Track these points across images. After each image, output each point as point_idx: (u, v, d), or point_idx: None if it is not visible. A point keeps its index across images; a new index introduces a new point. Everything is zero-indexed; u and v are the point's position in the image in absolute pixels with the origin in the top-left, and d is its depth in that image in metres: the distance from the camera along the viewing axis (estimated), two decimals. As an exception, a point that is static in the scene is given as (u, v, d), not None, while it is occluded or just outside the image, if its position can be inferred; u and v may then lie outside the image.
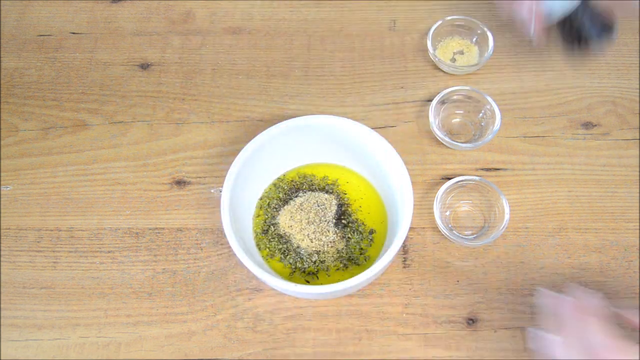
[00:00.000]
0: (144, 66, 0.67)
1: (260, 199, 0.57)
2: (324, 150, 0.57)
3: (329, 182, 0.57)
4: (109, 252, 0.57)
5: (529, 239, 0.56)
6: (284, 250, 0.54)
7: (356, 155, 0.56)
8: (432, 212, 0.56)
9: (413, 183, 0.57)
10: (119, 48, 0.68)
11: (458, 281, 0.54)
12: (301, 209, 0.54)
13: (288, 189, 0.57)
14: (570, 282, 0.54)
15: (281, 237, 0.54)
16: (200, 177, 0.60)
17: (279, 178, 0.58)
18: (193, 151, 0.62)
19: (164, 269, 0.56)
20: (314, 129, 0.54)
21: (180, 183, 0.60)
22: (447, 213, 0.58)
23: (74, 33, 0.70)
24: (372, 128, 0.53)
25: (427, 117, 0.62)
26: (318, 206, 0.55)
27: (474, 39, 0.66)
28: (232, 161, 0.51)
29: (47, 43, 0.69)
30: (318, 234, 0.54)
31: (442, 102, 0.62)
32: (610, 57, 0.66)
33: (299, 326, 0.53)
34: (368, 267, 0.47)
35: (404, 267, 0.55)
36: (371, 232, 0.55)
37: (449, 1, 0.70)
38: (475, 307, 0.53)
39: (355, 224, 0.55)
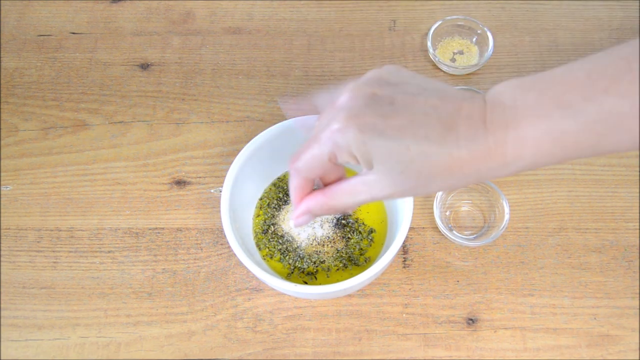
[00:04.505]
0: (144, 66, 0.67)
1: (260, 199, 0.57)
2: (324, 150, 0.57)
3: (329, 182, 0.57)
4: (109, 252, 0.57)
5: (529, 239, 0.56)
6: (284, 250, 0.54)
7: (356, 155, 0.56)
8: (432, 212, 0.56)
9: (413, 183, 0.57)
10: (119, 48, 0.68)
11: (458, 281, 0.54)
12: (301, 209, 0.54)
13: (287, 189, 0.57)
14: (570, 282, 0.54)
15: (281, 237, 0.54)
16: (200, 177, 0.60)
17: (278, 178, 0.58)
18: (193, 151, 0.62)
19: (164, 269, 0.56)
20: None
21: (180, 183, 0.60)
22: (447, 213, 0.58)
23: (74, 33, 0.70)
24: (372, 128, 0.53)
25: (427, 117, 0.62)
26: (318, 206, 0.55)
27: (474, 39, 0.66)
28: (232, 161, 0.51)
29: (47, 43, 0.69)
30: (317, 234, 0.54)
31: (442, 102, 0.61)
32: (610, 57, 0.66)
33: (298, 326, 0.53)
34: (368, 267, 0.47)
35: (404, 267, 0.55)
36: (371, 231, 0.55)
37: (449, 1, 0.70)
38: (475, 307, 0.53)
39: (355, 223, 0.55)
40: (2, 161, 0.62)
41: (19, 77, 0.67)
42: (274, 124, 0.53)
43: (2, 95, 0.66)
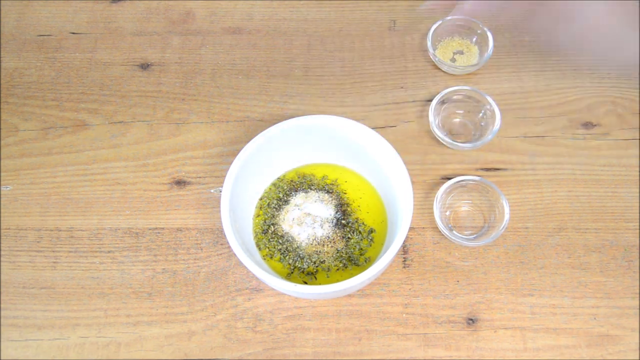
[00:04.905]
0: (144, 66, 0.67)
1: (260, 199, 0.57)
2: (323, 150, 0.57)
3: (329, 181, 0.57)
4: (109, 252, 0.57)
5: (529, 239, 0.56)
6: (284, 250, 0.54)
7: (356, 155, 0.56)
8: (432, 212, 0.56)
9: (413, 183, 0.57)
10: (119, 48, 0.68)
11: (458, 281, 0.54)
12: (300, 209, 0.55)
13: (287, 189, 0.57)
14: (570, 282, 0.54)
15: (281, 237, 0.54)
16: (200, 177, 0.60)
17: (278, 178, 0.58)
18: (193, 151, 0.62)
19: (164, 269, 0.56)
20: (313, 129, 0.54)
21: (180, 183, 0.60)
22: (447, 213, 0.58)
23: (74, 33, 0.70)
24: (372, 128, 0.53)
25: (427, 117, 0.62)
26: (317, 206, 0.55)
27: (474, 39, 0.66)
28: (232, 161, 0.51)
29: (47, 43, 0.69)
30: (317, 234, 0.54)
31: (442, 102, 0.62)
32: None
33: (298, 326, 0.53)
34: (368, 267, 0.47)
35: (404, 267, 0.55)
36: (371, 231, 0.55)
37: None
38: (475, 307, 0.53)
39: (355, 223, 0.55)
40: (2, 161, 0.62)
41: (19, 77, 0.67)
42: (274, 123, 0.53)
43: (2, 95, 0.66)
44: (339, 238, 0.54)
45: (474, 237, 0.56)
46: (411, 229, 0.57)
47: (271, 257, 0.54)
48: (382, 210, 0.56)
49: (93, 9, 0.71)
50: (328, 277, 0.53)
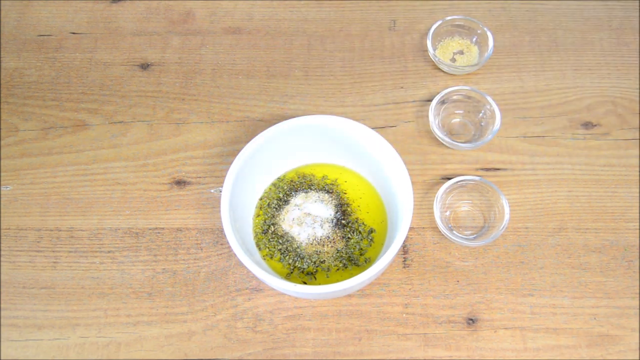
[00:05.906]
0: (144, 66, 0.67)
1: (260, 199, 0.57)
2: (323, 150, 0.57)
3: (328, 181, 0.57)
4: (109, 252, 0.57)
5: (529, 239, 0.56)
6: (284, 250, 0.54)
7: (356, 155, 0.56)
8: (432, 212, 0.56)
9: (413, 183, 0.57)
10: (119, 48, 0.68)
11: (458, 281, 0.54)
12: (300, 209, 0.55)
13: (287, 189, 0.57)
14: (570, 282, 0.54)
15: (281, 237, 0.54)
16: (200, 177, 0.60)
17: (278, 178, 0.58)
18: (193, 151, 0.62)
19: (164, 269, 0.56)
20: (314, 129, 0.54)
21: (180, 183, 0.60)
22: (447, 213, 0.58)
23: (74, 33, 0.70)
24: (372, 128, 0.53)
25: (427, 117, 0.62)
26: (317, 206, 0.55)
27: (474, 39, 0.66)
28: (232, 161, 0.51)
29: (47, 43, 0.69)
30: (317, 234, 0.54)
31: (442, 102, 0.62)
32: (610, 57, 0.66)
33: (298, 326, 0.53)
34: (368, 267, 0.47)
35: (404, 267, 0.55)
36: (371, 231, 0.55)
37: (449, 1, 0.70)
38: (475, 307, 0.53)
39: (355, 223, 0.55)
40: (2, 161, 0.62)
41: (19, 77, 0.67)
42: (274, 123, 0.53)
43: (2, 95, 0.66)
44: (339, 238, 0.54)
45: (474, 237, 0.56)
46: (411, 229, 0.57)
47: (271, 257, 0.54)
48: (382, 210, 0.56)
49: (93, 9, 0.71)
50: (328, 277, 0.53)
